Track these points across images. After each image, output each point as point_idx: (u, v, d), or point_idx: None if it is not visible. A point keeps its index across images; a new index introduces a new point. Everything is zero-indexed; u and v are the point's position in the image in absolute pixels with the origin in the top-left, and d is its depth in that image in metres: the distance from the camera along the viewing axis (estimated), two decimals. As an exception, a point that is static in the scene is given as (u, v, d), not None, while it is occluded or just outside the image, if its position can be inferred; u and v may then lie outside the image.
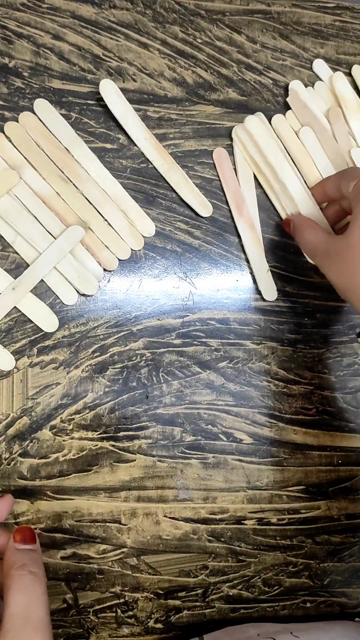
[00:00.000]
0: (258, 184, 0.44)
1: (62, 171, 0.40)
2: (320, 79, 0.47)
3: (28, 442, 0.38)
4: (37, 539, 0.31)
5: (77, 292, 0.40)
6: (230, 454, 0.41)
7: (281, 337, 0.43)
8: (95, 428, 0.39)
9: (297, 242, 0.41)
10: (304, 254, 0.42)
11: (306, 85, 0.46)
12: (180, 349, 0.41)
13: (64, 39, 0.42)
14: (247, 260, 0.43)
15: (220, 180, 0.44)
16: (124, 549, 0.38)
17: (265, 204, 0.45)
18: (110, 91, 0.41)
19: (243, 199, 0.44)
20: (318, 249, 0.38)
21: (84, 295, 0.40)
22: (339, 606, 0.42)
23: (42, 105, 0.40)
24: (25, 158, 0.40)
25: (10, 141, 0.40)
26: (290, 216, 0.42)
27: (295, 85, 0.46)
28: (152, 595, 0.38)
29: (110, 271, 0.41)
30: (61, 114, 0.41)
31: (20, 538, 0.30)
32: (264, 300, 0.43)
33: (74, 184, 0.40)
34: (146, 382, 0.40)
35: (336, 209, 0.42)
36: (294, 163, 0.45)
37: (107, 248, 0.41)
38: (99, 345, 0.40)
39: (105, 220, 0.41)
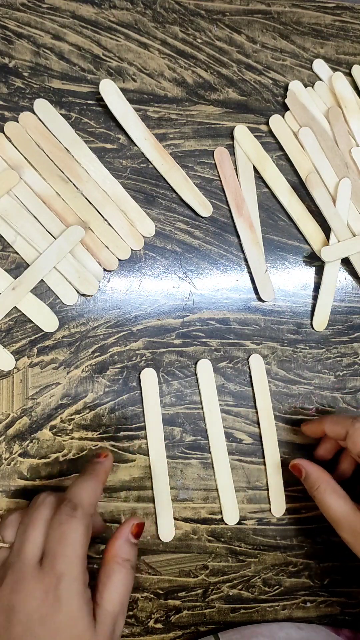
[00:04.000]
0: (259, 184, 0.44)
1: (62, 171, 0.40)
2: (320, 79, 0.47)
3: (28, 442, 0.38)
4: None
5: (77, 292, 0.40)
6: (230, 454, 0.41)
7: (281, 337, 0.43)
8: (95, 428, 0.39)
9: (312, 496, 0.37)
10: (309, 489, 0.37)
11: (306, 85, 0.46)
12: (180, 349, 0.41)
13: (64, 39, 0.42)
14: (246, 260, 0.43)
15: (220, 180, 0.44)
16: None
17: (266, 204, 0.45)
18: (110, 91, 0.41)
19: (243, 199, 0.44)
20: (343, 522, 0.34)
21: (84, 295, 0.40)
22: (339, 606, 0.42)
23: (42, 105, 0.40)
24: (25, 158, 0.40)
25: (10, 141, 0.40)
26: (301, 462, 0.38)
27: (294, 86, 0.46)
28: (152, 595, 0.38)
29: (110, 271, 0.41)
30: (61, 114, 0.41)
31: (137, 532, 0.32)
32: (263, 300, 0.43)
33: (74, 184, 0.40)
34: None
35: (331, 447, 0.40)
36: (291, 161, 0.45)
37: (107, 248, 0.41)
38: (99, 345, 0.40)
39: (105, 220, 0.41)
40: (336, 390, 0.44)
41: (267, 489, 0.41)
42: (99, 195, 0.41)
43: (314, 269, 0.45)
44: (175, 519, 0.39)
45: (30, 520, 0.30)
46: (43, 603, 0.27)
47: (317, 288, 0.44)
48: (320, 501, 0.36)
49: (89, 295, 0.40)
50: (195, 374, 0.41)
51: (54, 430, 0.38)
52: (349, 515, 0.34)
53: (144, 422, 0.40)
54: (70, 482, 0.33)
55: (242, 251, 0.43)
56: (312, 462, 0.38)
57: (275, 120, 0.45)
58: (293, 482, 0.42)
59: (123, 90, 0.42)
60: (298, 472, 0.38)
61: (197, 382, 0.41)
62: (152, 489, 0.39)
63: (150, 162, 0.42)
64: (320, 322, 0.44)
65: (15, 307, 0.39)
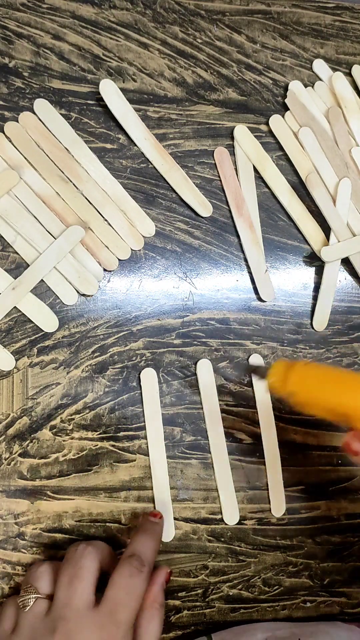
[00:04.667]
0: (259, 184, 0.44)
1: (62, 171, 0.40)
2: (320, 79, 0.47)
3: (28, 442, 0.38)
4: None
5: (77, 292, 0.40)
6: (230, 454, 0.41)
7: (281, 337, 0.43)
8: (95, 428, 0.39)
9: None
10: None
11: (306, 85, 0.46)
12: (180, 349, 0.41)
13: (64, 39, 0.42)
14: (246, 260, 0.43)
15: (220, 180, 0.44)
16: (124, 549, 0.38)
17: (266, 204, 0.45)
18: (110, 91, 0.41)
19: (243, 199, 0.44)
20: None
21: (84, 295, 0.40)
22: (339, 606, 0.42)
23: (42, 105, 0.40)
24: (25, 158, 0.40)
25: (10, 141, 0.40)
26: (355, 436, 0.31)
27: (294, 87, 0.46)
28: (152, 595, 0.38)
29: (110, 271, 0.41)
30: (61, 114, 0.41)
31: (168, 579, 0.35)
32: (263, 300, 0.43)
33: (74, 184, 0.40)
34: (146, 382, 0.40)
35: None
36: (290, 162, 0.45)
37: (107, 248, 0.41)
38: (99, 345, 0.40)
39: (105, 220, 0.41)
40: (336, 390, 0.44)
41: (267, 489, 0.41)
42: (99, 195, 0.41)
43: (314, 269, 0.45)
44: (175, 519, 0.39)
45: (77, 573, 0.31)
46: None
47: (317, 288, 0.44)
48: None
49: (89, 295, 0.40)
50: (195, 374, 0.41)
51: (54, 430, 0.38)
52: None
53: (144, 422, 0.40)
54: (130, 535, 0.34)
55: (242, 251, 0.43)
56: None
57: (275, 120, 0.45)
58: (293, 482, 0.42)
59: (123, 90, 0.42)
60: (354, 452, 0.31)
61: (197, 382, 0.41)
62: (152, 489, 0.39)
63: (150, 162, 0.42)
64: (320, 322, 0.44)
65: (15, 307, 0.39)
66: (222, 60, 0.45)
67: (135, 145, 0.42)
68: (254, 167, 0.44)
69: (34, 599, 0.31)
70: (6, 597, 0.35)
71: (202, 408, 0.41)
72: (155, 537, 0.35)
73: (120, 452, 0.39)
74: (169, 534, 0.39)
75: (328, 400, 0.29)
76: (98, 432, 0.39)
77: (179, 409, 0.41)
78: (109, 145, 0.42)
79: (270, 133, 0.45)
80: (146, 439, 0.39)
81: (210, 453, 0.40)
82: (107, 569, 0.33)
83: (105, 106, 0.41)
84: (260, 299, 0.43)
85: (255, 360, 0.42)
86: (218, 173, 0.44)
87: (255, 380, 0.38)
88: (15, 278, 0.38)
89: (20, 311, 0.39)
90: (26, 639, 0.29)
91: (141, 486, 0.39)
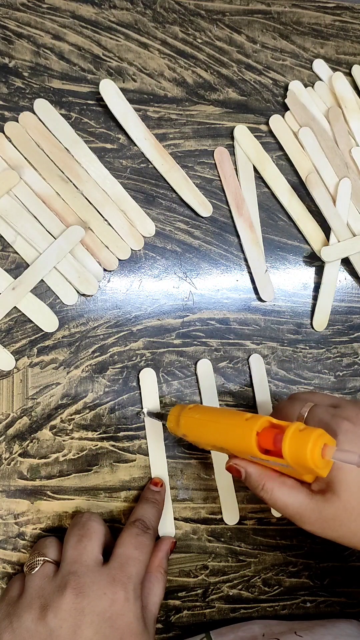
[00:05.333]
0: (259, 184, 0.45)
1: (62, 171, 0.40)
2: (320, 79, 0.47)
3: (28, 442, 0.38)
4: None
5: (77, 292, 0.40)
6: (230, 454, 0.41)
7: (281, 337, 0.43)
8: (95, 428, 0.39)
9: (259, 497, 0.31)
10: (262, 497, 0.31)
11: (306, 85, 0.46)
12: (180, 349, 0.41)
13: (64, 39, 0.42)
14: (246, 260, 0.43)
15: (220, 180, 0.44)
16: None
17: (266, 204, 0.45)
18: (110, 91, 0.41)
19: (243, 199, 0.44)
20: (305, 514, 0.30)
21: (84, 295, 0.40)
22: (338, 606, 0.42)
23: (42, 105, 0.40)
24: (25, 158, 0.40)
25: (10, 141, 0.40)
26: (238, 462, 0.32)
27: (294, 87, 0.46)
28: (152, 595, 0.38)
29: (110, 271, 0.41)
30: (61, 114, 0.41)
31: (173, 548, 0.38)
32: (263, 300, 0.43)
33: (74, 184, 0.40)
34: (146, 382, 0.40)
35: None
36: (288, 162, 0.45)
37: (107, 248, 0.41)
38: (99, 345, 0.40)
39: (105, 220, 0.41)
40: (336, 391, 0.44)
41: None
42: (99, 195, 0.41)
43: (314, 269, 0.45)
44: (175, 519, 0.39)
45: (85, 533, 0.32)
46: (114, 603, 0.29)
47: (317, 288, 0.44)
48: (270, 500, 0.30)
49: (89, 295, 0.40)
50: (195, 374, 0.41)
51: (54, 430, 0.38)
52: (309, 505, 0.29)
53: (144, 422, 0.40)
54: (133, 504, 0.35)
55: (242, 251, 0.43)
56: (250, 461, 0.32)
57: (275, 120, 0.45)
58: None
59: (123, 90, 0.42)
60: (237, 474, 0.32)
61: (197, 382, 0.41)
62: (152, 489, 0.39)
63: (150, 162, 0.42)
64: (320, 322, 0.44)
65: (15, 307, 0.39)
66: (222, 60, 0.45)
67: (135, 145, 0.42)
68: (254, 167, 0.44)
69: (41, 562, 0.32)
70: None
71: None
72: (157, 505, 0.37)
73: (120, 452, 0.39)
74: (169, 533, 0.39)
75: (209, 439, 0.33)
76: (98, 432, 0.39)
77: (179, 409, 0.40)
78: (109, 145, 0.42)
79: (270, 133, 0.45)
80: (146, 439, 0.39)
81: (210, 453, 0.40)
82: (108, 543, 0.33)
83: (105, 106, 0.41)
84: (260, 299, 0.43)
85: (255, 361, 0.42)
86: (218, 173, 0.44)
87: (153, 422, 0.40)
88: (15, 278, 0.38)
89: (20, 311, 0.39)
90: (34, 599, 0.29)
91: (141, 486, 0.39)
